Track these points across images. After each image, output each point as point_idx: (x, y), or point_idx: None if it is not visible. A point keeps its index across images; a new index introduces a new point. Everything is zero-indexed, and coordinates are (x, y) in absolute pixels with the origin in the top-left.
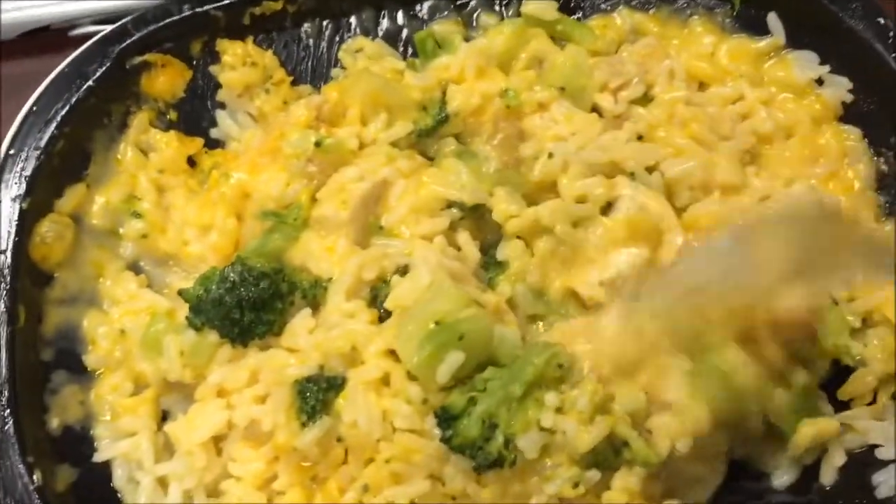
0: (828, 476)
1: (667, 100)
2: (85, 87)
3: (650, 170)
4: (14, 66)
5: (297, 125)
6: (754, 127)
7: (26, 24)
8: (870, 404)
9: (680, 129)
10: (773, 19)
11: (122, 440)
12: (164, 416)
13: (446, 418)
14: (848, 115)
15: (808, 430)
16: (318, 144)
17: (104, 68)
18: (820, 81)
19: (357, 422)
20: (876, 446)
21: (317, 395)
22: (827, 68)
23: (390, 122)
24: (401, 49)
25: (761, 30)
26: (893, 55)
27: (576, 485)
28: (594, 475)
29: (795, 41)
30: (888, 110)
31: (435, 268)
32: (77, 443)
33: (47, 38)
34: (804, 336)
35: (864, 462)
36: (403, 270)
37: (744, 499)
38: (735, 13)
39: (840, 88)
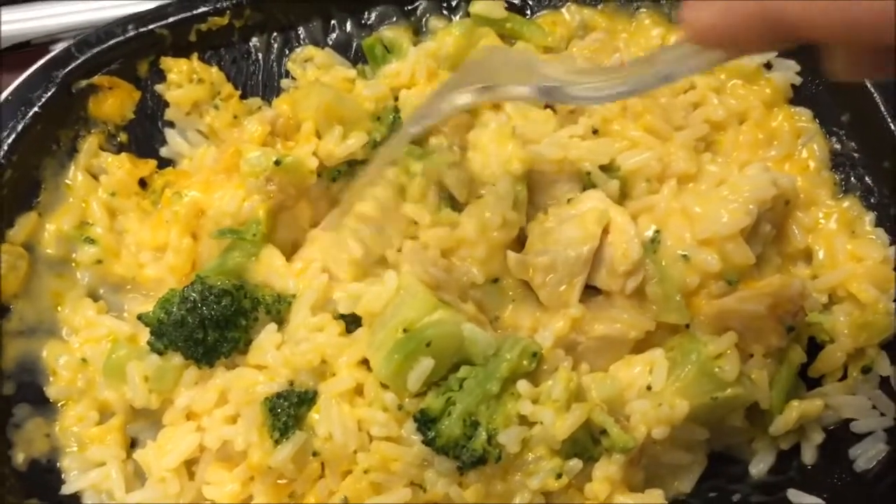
0: (808, 455)
1: None
2: (31, 113)
3: (606, 168)
4: None
5: (254, 141)
6: (707, 115)
7: (6, 39)
8: (840, 380)
9: (634, 121)
10: None
11: (90, 471)
12: (133, 444)
13: (426, 421)
14: (798, 97)
15: (793, 411)
16: (277, 163)
17: (49, 94)
18: (768, 66)
19: (332, 434)
20: (851, 420)
21: (288, 410)
22: (774, 52)
23: (345, 135)
24: (352, 59)
25: None
26: None
27: (558, 476)
28: (576, 465)
29: None
30: (836, 90)
31: (404, 273)
32: (44, 476)
33: (28, 54)
34: (796, 309)
35: (840, 437)
36: None
37: (725, 482)
38: (681, 3)
39: (788, 71)
